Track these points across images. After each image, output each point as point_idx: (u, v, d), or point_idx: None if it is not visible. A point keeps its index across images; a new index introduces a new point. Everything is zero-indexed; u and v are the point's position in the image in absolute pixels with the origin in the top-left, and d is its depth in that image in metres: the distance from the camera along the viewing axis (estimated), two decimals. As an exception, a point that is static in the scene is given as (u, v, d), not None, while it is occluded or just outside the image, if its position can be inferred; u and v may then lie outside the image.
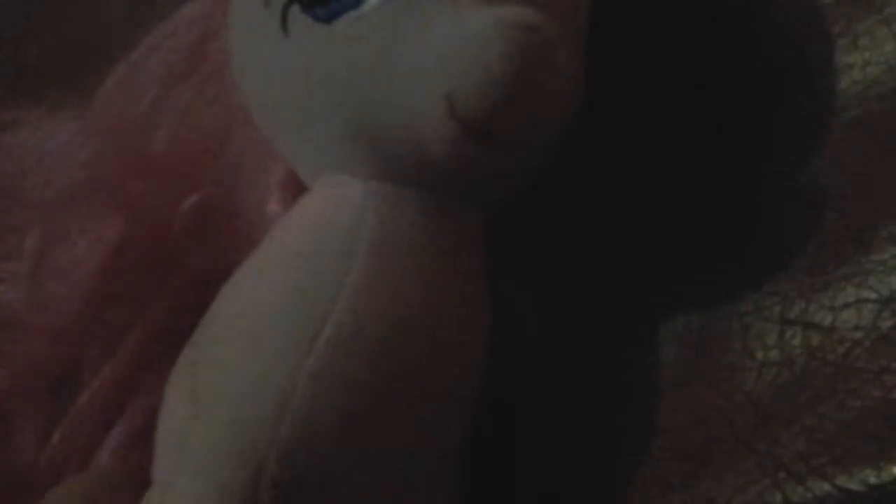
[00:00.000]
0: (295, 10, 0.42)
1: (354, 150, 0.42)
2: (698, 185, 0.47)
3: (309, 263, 0.41)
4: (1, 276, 0.47)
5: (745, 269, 0.46)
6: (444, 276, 0.42)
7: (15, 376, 0.45)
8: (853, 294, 0.44)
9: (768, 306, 0.45)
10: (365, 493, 0.40)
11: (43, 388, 0.45)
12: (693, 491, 0.44)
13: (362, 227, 0.41)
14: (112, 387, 0.45)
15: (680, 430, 0.45)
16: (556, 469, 0.46)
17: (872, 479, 0.42)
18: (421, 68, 0.40)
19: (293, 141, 0.44)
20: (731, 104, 0.47)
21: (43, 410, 0.45)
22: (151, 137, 0.49)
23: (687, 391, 0.45)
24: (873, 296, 0.43)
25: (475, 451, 0.43)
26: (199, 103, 0.49)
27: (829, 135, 0.46)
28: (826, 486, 0.42)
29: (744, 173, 0.47)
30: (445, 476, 0.42)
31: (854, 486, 0.42)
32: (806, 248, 0.45)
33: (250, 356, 0.40)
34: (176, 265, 0.47)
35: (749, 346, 0.45)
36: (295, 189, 0.46)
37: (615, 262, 0.47)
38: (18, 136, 0.49)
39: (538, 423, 0.46)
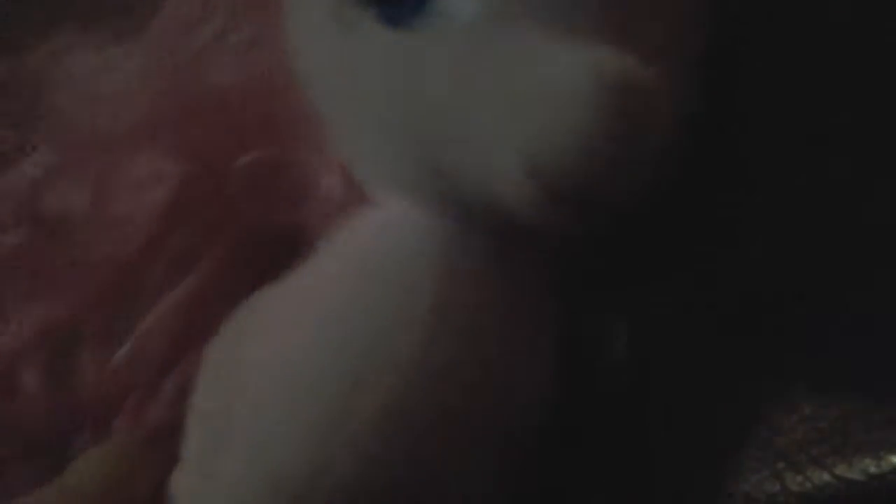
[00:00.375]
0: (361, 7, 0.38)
1: (421, 179, 0.38)
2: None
3: (366, 312, 0.38)
4: (64, 205, 0.46)
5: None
6: (511, 323, 0.38)
7: (76, 304, 0.44)
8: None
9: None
10: None
11: (102, 317, 0.44)
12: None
13: (426, 273, 0.38)
14: (168, 328, 0.44)
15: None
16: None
17: (872, 469, 0.42)
18: (499, 111, 0.34)
19: (355, 152, 0.41)
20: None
21: (103, 340, 0.44)
22: (213, 75, 0.45)
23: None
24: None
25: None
26: (269, 37, 0.44)
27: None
28: (825, 476, 0.42)
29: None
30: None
31: (853, 475, 0.42)
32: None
33: (292, 415, 0.37)
34: (228, 219, 0.44)
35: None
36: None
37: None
38: (78, 60, 0.47)
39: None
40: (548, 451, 0.40)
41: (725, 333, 0.40)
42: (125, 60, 0.46)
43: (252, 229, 0.44)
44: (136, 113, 0.45)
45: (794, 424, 0.43)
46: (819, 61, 0.40)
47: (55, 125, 0.46)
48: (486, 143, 0.35)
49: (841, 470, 0.42)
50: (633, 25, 0.35)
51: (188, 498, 0.40)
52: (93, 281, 0.44)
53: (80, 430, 0.44)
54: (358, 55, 0.38)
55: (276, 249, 0.42)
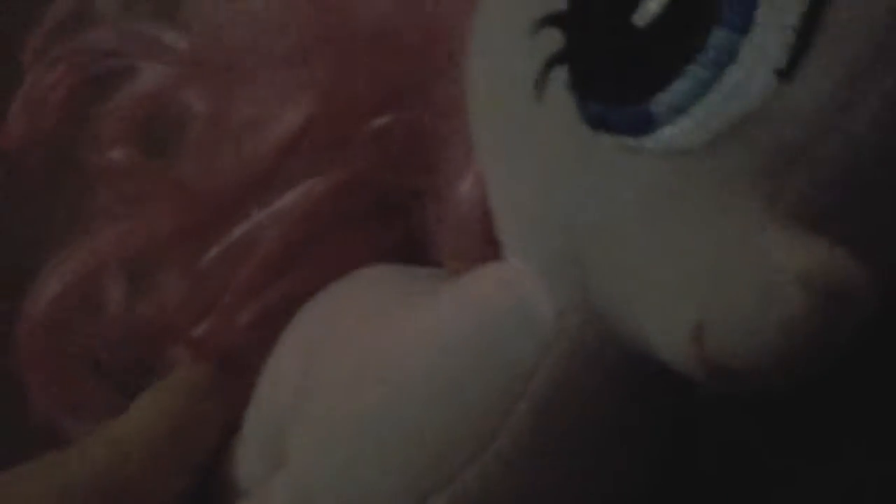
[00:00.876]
0: (562, 72, 0.33)
1: (563, 273, 0.34)
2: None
3: (465, 386, 0.34)
4: (178, 122, 0.45)
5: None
6: (611, 451, 0.35)
7: (170, 225, 0.44)
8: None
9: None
10: None
11: (194, 241, 0.43)
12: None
13: (541, 369, 0.34)
14: (262, 259, 0.42)
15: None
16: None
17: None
18: (682, 266, 0.31)
19: (501, 198, 0.36)
20: None
21: (192, 264, 0.44)
22: (368, 14, 0.41)
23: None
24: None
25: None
26: None
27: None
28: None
29: None
30: None
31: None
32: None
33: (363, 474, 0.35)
34: (348, 173, 0.42)
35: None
36: None
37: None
38: None
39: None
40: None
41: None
42: None
43: (372, 187, 0.42)
44: (274, 34, 0.42)
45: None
46: None
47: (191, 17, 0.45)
48: (659, 298, 0.31)
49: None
50: (860, 220, 0.31)
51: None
52: (192, 204, 0.43)
53: (161, 352, 0.44)
54: (540, 127, 0.34)
55: (392, 215, 0.42)
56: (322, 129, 0.42)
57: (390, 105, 0.41)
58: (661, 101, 0.31)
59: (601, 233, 0.32)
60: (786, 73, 0.30)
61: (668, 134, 0.31)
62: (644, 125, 0.31)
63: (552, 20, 0.33)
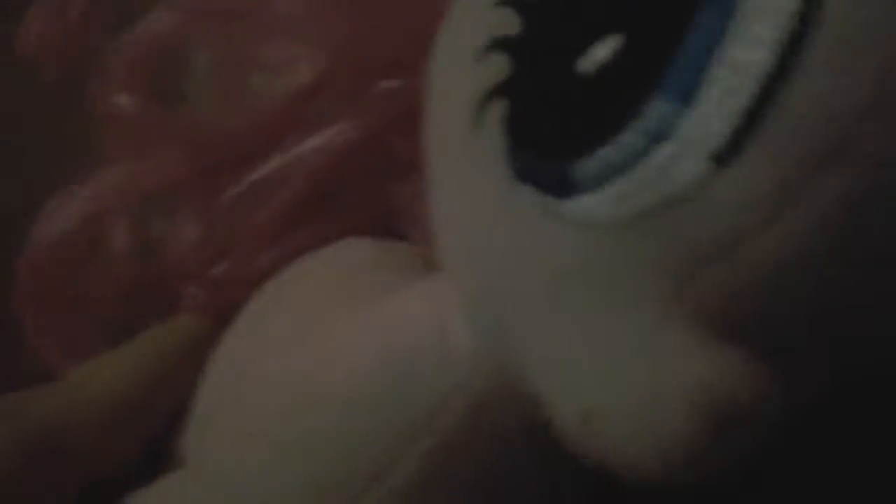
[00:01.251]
0: (499, 106, 0.31)
1: (480, 312, 0.33)
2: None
3: (372, 412, 0.33)
4: (184, 69, 0.45)
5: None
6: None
7: (177, 171, 0.43)
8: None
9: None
10: None
11: (203, 188, 0.43)
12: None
13: (449, 404, 0.32)
14: (285, 203, 0.42)
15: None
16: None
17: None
18: (582, 353, 0.29)
19: (435, 217, 0.35)
20: None
21: (200, 212, 0.43)
22: None
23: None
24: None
25: None
26: None
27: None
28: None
29: None
30: None
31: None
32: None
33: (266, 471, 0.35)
34: (358, 135, 0.41)
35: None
36: None
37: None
38: None
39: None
40: None
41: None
42: None
43: (384, 146, 0.41)
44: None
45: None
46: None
47: None
48: (558, 366, 0.30)
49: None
50: (776, 331, 0.29)
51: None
52: (204, 148, 0.43)
53: (168, 298, 0.43)
54: (473, 166, 0.32)
55: (403, 175, 0.40)
56: (334, 83, 0.42)
57: (400, 69, 0.40)
58: (587, 165, 0.28)
59: (511, 295, 0.31)
60: (724, 160, 0.27)
61: (587, 203, 0.29)
62: (565, 188, 0.29)
63: (502, 43, 0.31)
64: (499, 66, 0.31)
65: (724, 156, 0.27)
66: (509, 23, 0.31)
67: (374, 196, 0.42)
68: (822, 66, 0.27)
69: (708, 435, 0.27)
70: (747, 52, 0.27)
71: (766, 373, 0.27)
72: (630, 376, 0.28)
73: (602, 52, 0.28)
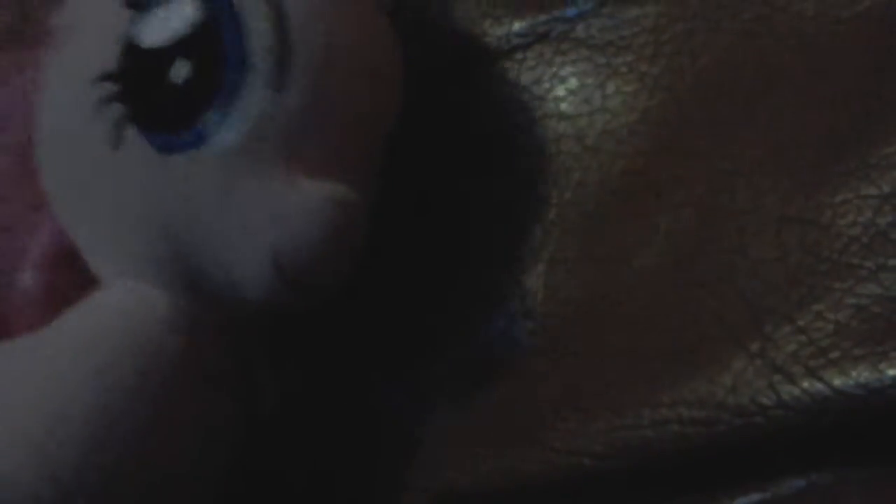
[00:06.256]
0: (129, 130, 0.45)
1: (168, 270, 0.46)
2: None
3: (105, 377, 0.44)
4: None
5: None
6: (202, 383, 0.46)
7: None
8: (854, 189, 0.42)
9: (766, 203, 0.43)
10: None
11: None
12: (684, 390, 0.43)
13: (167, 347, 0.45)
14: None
15: (672, 331, 0.43)
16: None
17: (871, 382, 0.40)
18: (253, 222, 0.44)
19: (97, 241, 0.47)
20: None
21: None
22: None
23: (680, 292, 0.44)
24: (874, 191, 0.42)
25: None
26: None
27: (836, 27, 0.44)
28: (823, 388, 0.41)
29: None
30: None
31: (852, 388, 0.41)
32: (808, 143, 0.43)
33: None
34: None
35: (744, 243, 0.43)
36: (57, 261, 0.48)
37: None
38: None
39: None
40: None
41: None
42: None
43: None
44: None
45: (788, 335, 0.42)
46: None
47: None
48: (240, 244, 0.44)
49: (839, 382, 0.41)
50: (346, 163, 0.46)
51: None
52: None
53: None
54: (121, 167, 0.45)
55: None
56: None
57: None
58: (206, 121, 0.45)
59: (188, 222, 0.45)
60: (277, 88, 0.45)
61: (217, 140, 0.45)
62: (200, 140, 0.45)
63: (107, 77, 0.46)
64: (113, 110, 0.46)
65: (276, 85, 0.45)
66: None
67: None
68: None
69: (342, 217, 0.44)
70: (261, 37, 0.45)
71: (354, 189, 0.45)
72: (289, 214, 0.44)
73: (184, 68, 0.45)
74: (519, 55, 0.49)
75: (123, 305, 0.46)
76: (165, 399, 0.45)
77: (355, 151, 0.47)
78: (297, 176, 0.44)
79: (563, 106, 0.48)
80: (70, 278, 0.48)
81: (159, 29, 0.46)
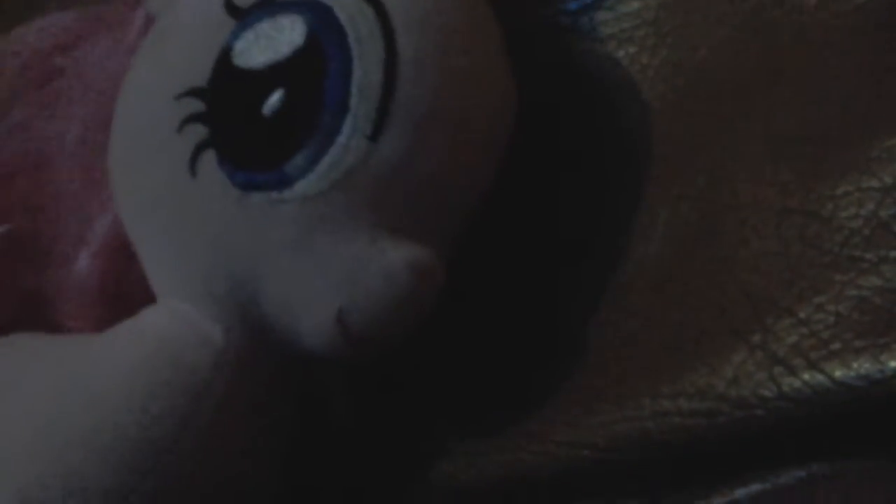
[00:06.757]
0: (209, 155, 0.43)
1: (226, 304, 0.43)
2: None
3: (146, 410, 0.43)
4: None
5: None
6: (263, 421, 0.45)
7: None
8: (855, 182, 0.42)
9: (766, 196, 0.43)
10: None
11: None
12: (685, 382, 0.43)
13: (215, 381, 0.43)
14: None
15: (672, 323, 0.44)
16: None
17: (874, 374, 0.41)
18: (325, 278, 0.42)
19: (159, 256, 0.45)
20: None
21: None
22: None
23: (680, 284, 0.44)
24: (876, 184, 0.42)
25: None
26: (38, 121, 0.49)
27: (836, 21, 0.44)
28: (824, 380, 0.41)
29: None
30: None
31: (853, 380, 0.41)
32: (809, 135, 0.43)
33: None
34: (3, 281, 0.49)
35: (745, 236, 0.43)
36: (113, 252, 0.46)
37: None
38: None
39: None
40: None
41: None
42: None
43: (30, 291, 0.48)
44: None
45: (790, 327, 0.42)
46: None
47: None
48: (308, 293, 0.42)
49: (841, 374, 0.41)
50: (434, 224, 0.43)
51: None
52: None
53: None
54: (195, 192, 0.43)
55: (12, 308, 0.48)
56: None
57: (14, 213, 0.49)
58: (294, 164, 0.42)
59: (257, 264, 0.43)
60: (373, 138, 0.42)
61: (302, 186, 0.42)
62: (283, 182, 0.42)
63: (195, 93, 0.43)
64: (195, 131, 0.43)
65: (372, 135, 0.42)
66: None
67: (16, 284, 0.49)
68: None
69: (419, 288, 0.42)
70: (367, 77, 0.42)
71: (435, 252, 0.43)
72: (365, 274, 0.42)
73: (275, 99, 0.42)
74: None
75: (173, 334, 0.43)
76: (209, 430, 0.43)
77: (447, 213, 0.44)
78: (379, 233, 0.42)
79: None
80: (126, 270, 0.46)
81: (259, 47, 0.43)
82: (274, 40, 0.43)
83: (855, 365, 0.41)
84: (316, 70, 0.42)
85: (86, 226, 0.47)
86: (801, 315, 0.42)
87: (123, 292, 0.46)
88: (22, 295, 0.48)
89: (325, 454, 0.48)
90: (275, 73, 0.42)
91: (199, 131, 0.43)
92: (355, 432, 0.48)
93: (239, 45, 0.43)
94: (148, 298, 0.45)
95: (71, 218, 0.47)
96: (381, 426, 0.48)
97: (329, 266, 0.42)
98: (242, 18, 0.43)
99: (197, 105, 0.43)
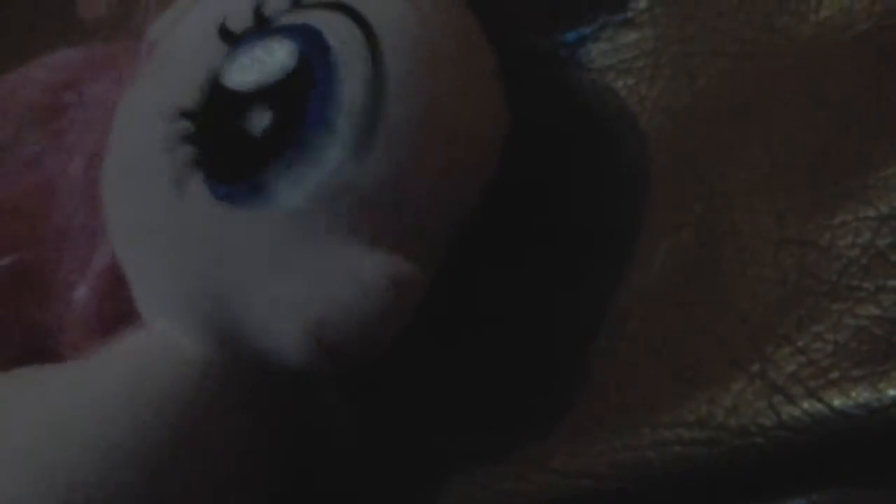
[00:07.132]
0: (196, 175, 0.43)
1: (210, 322, 0.44)
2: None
3: (128, 424, 0.43)
4: None
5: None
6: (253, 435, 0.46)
7: None
8: (853, 211, 0.43)
9: (765, 225, 0.43)
10: None
11: None
12: (684, 411, 0.43)
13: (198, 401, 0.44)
14: None
15: (671, 351, 0.44)
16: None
17: (871, 402, 0.41)
18: (302, 292, 0.42)
19: (145, 276, 0.46)
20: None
21: None
22: None
23: (678, 311, 0.44)
24: (873, 213, 0.42)
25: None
26: (45, 155, 0.49)
27: (834, 50, 0.44)
28: (823, 409, 0.41)
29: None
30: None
31: (852, 408, 0.41)
32: (806, 165, 0.43)
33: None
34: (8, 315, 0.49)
35: (743, 264, 0.43)
36: (113, 281, 0.46)
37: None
38: None
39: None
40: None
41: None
42: None
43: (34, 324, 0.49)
44: None
45: (788, 356, 0.42)
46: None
47: None
48: (285, 308, 0.43)
49: (840, 403, 0.41)
50: (418, 240, 0.43)
51: None
52: None
53: None
54: (181, 210, 0.44)
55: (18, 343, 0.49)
56: None
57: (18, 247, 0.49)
58: (279, 181, 0.42)
59: (238, 279, 0.43)
60: (358, 158, 0.42)
61: (283, 200, 0.42)
62: (265, 197, 0.43)
63: (184, 114, 0.44)
64: (185, 152, 0.44)
65: (357, 153, 0.42)
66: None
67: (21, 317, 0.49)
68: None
69: (397, 301, 0.42)
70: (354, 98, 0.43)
71: (417, 265, 0.43)
72: (343, 287, 0.42)
73: (264, 118, 0.43)
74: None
75: (153, 355, 0.44)
76: (191, 450, 0.43)
77: (431, 230, 0.44)
78: (359, 248, 0.42)
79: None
80: (127, 298, 0.46)
81: (248, 69, 0.44)
82: (265, 64, 0.43)
83: (853, 394, 0.41)
84: (304, 92, 0.43)
85: (88, 257, 0.48)
86: (800, 344, 0.42)
87: (124, 321, 0.46)
88: (26, 328, 0.49)
89: (325, 475, 0.48)
90: (263, 95, 0.43)
91: (187, 152, 0.44)
92: (356, 456, 0.48)
93: (230, 69, 0.44)
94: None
95: (74, 250, 0.48)
96: (381, 453, 0.48)
97: (305, 281, 0.42)
98: (235, 43, 0.44)
99: (186, 126, 0.44)
